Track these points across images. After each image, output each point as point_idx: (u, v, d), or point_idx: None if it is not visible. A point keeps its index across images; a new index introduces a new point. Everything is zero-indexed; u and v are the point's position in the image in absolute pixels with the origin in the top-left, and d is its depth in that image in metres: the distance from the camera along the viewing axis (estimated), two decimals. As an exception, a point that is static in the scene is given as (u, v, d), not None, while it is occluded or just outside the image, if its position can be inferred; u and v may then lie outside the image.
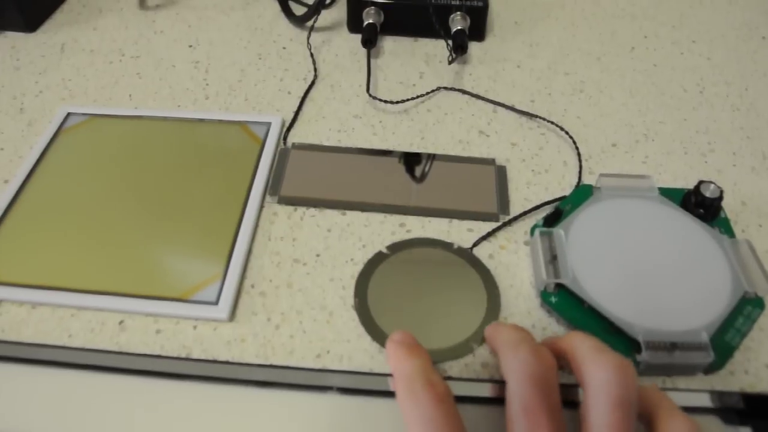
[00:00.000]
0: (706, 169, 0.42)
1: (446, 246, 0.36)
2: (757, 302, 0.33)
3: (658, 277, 0.33)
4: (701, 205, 0.36)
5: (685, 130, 0.45)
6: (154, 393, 0.30)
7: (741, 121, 0.46)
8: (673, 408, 0.26)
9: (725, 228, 0.36)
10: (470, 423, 0.26)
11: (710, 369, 0.31)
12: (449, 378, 0.31)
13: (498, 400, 0.30)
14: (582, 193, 0.37)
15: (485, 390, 0.31)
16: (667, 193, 0.37)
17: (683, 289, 0.33)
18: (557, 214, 0.36)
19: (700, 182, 0.36)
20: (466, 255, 0.36)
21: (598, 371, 0.25)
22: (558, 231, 0.35)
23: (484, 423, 0.29)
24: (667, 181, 0.41)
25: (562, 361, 0.28)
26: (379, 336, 0.32)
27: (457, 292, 0.34)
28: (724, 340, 0.31)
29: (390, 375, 0.31)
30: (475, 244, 0.36)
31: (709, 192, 0.36)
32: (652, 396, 0.26)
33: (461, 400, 0.30)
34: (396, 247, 0.36)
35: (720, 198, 0.36)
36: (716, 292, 0.32)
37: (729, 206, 0.39)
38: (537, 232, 0.35)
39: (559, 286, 0.33)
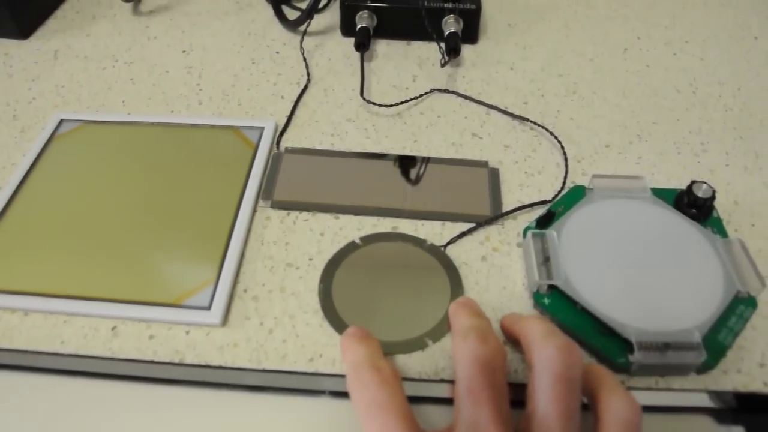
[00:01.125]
0: (699, 169, 0.42)
1: (419, 242, 0.36)
2: (749, 301, 0.33)
3: (650, 278, 0.33)
4: (694, 205, 0.36)
5: (678, 130, 0.45)
6: (147, 399, 0.30)
7: (734, 121, 0.46)
8: (616, 385, 0.27)
9: (718, 227, 0.36)
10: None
11: (703, 369, 0.31)
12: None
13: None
14: (575, 194, 0.37)
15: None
16: (660, 194, 0.37)
17: (676, 289, 0.33)
18: (549, 215, 0.36)
19: (693, 182, 0.36)
20: (437, 253, 0.36)
21: (544, 350, 0.27)
22: (550, 232, 0.35)
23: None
24: (660, 181, 0.41)
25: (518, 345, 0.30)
26: (336, 322, 0.33)
27: (421, 288, 0.34)
28: (717, 340, 0.31)
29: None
30: (450, 242, 0.36)
31: (701, 192, 0.36)
32: (597, 374, 0.27)
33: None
34: (369, 239, 0.36)
35: (712, 198, 0.36)
36: (709, 292, 0.33)
37: (722, 206, 0.39)
38: (529, 233, 0.35)
39: (552, 288, 0.33)
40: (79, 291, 0.34)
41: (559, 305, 0.33)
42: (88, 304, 0.33)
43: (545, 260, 0.34)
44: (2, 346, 0.32)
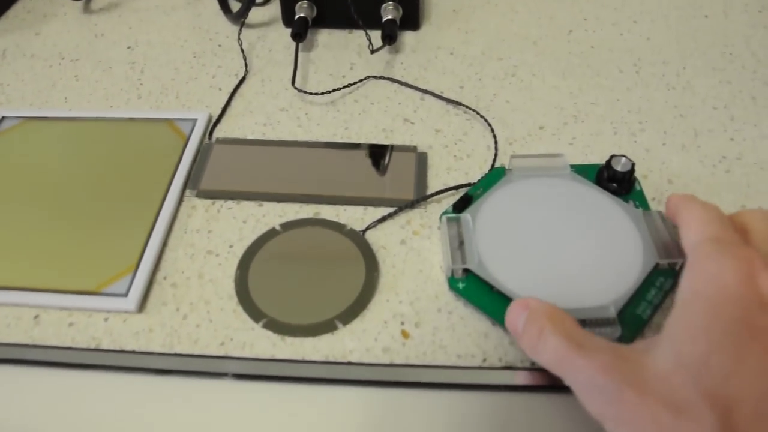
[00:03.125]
0: (634, 148, 0.42)
1: (338, 227, 0.37)
2: (669, 273, 0.33)
3: (568, 256, 0.33)
4: (613, 179, 0.36)
5: (617, 110, 0.45)
6: (64, 384, 0.31)
7: (675, 99, 0.45)
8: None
9: (640, 201, 0.36)
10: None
11: (622, 343, 0.31)
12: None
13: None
14: (494, 176, 0.38)
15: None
16: (581, 170, 0.37)
17: (593, 265, 0.33)
18: (467, 199, 0.37)
19: (612, 156, 0.36)
20: (356, 237, 0.36)
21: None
22: (465, 216, 0.35)
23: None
24: (594, 161, 0.40)
25: None
26: (249, 307, 0.33)
27: (336, 273, 0.35)
28: (635, 314, 0.31)
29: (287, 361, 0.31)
30: (369, 227, 0.37)
31: (620, 166, 0.36)
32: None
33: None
34: (288, 225, 0.37)
35: (631, 171, 0.36)
36: (627, 266, 0.32)
37: (655, 185, 0.39)
38: (444, 218, 0.35)
39: (467, 272, 0.33)
40: (3, 281, 0.35)
41: (474, 289, 0.33)
42: (12, 293, 0.34)
43: (460, 244, 0.34)
44: None
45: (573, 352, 0.25)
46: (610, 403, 0.23)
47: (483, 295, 0.33)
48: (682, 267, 0.33)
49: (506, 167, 0.38)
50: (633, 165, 0.36)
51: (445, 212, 0.36)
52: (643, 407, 0.22)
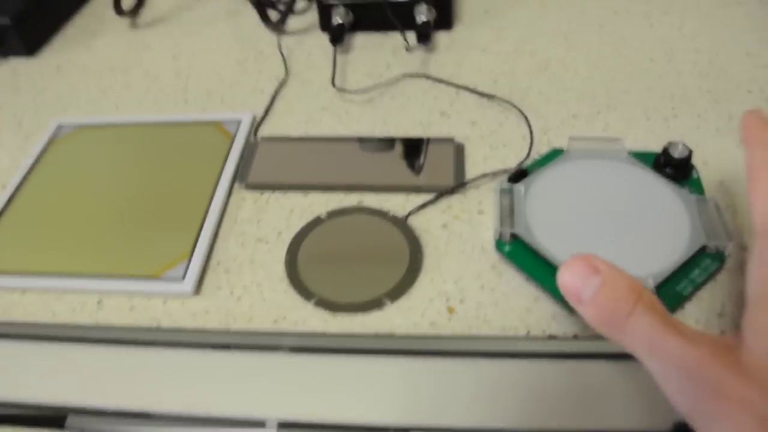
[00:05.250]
0: (668, 134, 0.42)
1: (381, 214, 0.38)
2: (717, 256, 0.33)
3: (614, 230, 0.34)
4: (670, 164, 0.37)
5: (649, 98, 0.45)
6: (128, 360, 0.33)
7: (708, 85, 0.46)
8: None
9: (696, 188, 0.37)
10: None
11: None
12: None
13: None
14: (551, 156, 0.39)
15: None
16: (639, 157, 0.38)
17: (638, 241, 0.33)
18: (522, 173, 0.38)
19: (669, 143, 0.37)
20: (399, 223, 0.37)
21: None
22: (518, 186, 0.36)
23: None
24: (628, 146, 0.41)
25: None
26: (300, 287, 0.35)
27: (381, 255, 0.36)
28: (675, 290, 0.32)
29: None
30: (411, 213, 0.38)
31: (677, 152, 0.37)
32: None
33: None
34: (334, 213, 0.38)
35: (689, 158, 0.36)
36: (672, 245, 0.33)
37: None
38: (498, 188, 0.37)
39: (515, 238, 0.35)
40: (69, 268, 0.37)
41: (519, 253, 0.34)
42: (76, 280, 0.36)
43: (510, 212, 0.35)
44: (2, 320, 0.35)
45: (671, 337, 0.23)
46: (708, 394, 0.21)
47: (527, 259, 0.34)
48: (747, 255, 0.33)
49: (563, 149, 0.39)
50: (690, 152, 0.36)
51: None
52: (747, 402, 0.20)
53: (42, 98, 0.51)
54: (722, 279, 0.34)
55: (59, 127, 0.47)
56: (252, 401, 0.30)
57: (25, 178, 0.43)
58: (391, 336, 0.32)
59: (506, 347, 0.31)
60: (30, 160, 0.44)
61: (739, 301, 0.33)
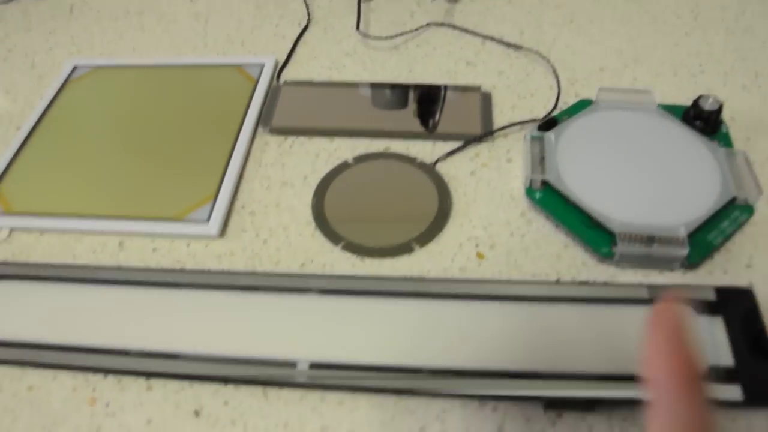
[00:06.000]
0: (696, 89, 0.42)
1: (409, 160, 0.37)
2: (745, 208, 0.33)
3: (644, 180, 0.34)
4: (699, 117, 0.37)
5: (676, 53, 0.45)
6: (152, 300, 0.32)
7: (735, 43, 0.45)
8: None
9: (725, 141, 0.37)
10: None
11: (688, 264, 0.32)
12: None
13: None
14: (580, 105, 0.39)
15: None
16: (668, 110, 0.38)
17: (670, 190, 0.33)
18: (552, 121, 0.37)
19: (699, 96, 0.37)
20: (427, 169, 0.37)
21: None
22: (548, 135, 0.36)
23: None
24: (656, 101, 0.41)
25: None
26: (327, 231, 0.35)
27: (410, 200, 0.36)
28: (706, 239, 0.32)
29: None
30: (439, 159, 0.38)
31: (708, 105, 0.36)
32: None
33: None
34: (361, 159, 0.38)
35: (719, 111, 0.36)
36: (703, 196, 0.33)
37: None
38: (528, 135, 0.36)
39: (545, 185, 0.34)
40: (88, 210, 0.36)
41: (550, 200, 0.34)
42: (97, 221, 0.36)
43: (541, 160, 0.35)
44: (20, 261, 0.35)
45: None
46: None
47: (558, 205, 0.34)
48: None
49: (592, 99, 0.38)
50: (721, 105, 0.36)
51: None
52: None
53: (55, 39, 0.50)
54: (750, 231, 0.34)
55: (75, 68, 0.46)
56: (282, 342, 0.30)
57: (40, 119, 0.42)
58: (421, 279, 0.32)
59: (538, 292, 0.31)
60: (45, 101, 0.43)
61: (766, 254, 0.33)
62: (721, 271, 0.32)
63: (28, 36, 0.50)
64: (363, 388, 0.29)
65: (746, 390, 0.27)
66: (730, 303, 0.30)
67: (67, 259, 0.35)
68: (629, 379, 0.27)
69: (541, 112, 0.40)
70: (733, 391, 0.27)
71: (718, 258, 0.33)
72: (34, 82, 0.46)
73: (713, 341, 0.28)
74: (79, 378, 0.30)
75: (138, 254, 0.35)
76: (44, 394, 0.30)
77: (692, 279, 0.32)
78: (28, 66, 0.47)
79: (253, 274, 0.33)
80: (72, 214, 0.36)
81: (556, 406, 0.28)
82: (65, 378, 0.30)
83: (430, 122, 0.40)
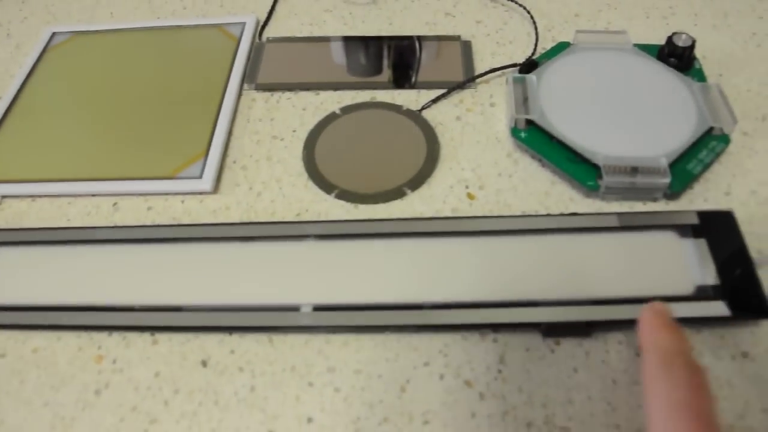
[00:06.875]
0: (667, 30, 0.43)
1: (395, 108, 0.38)
2: (722, 138, 0.35)
3: (624, 115, 0.35)
4: (673, 54, 0.38)
5: (648, -2, 0.46)
6: (149, 257, 0.33)
7: (704, -15, 0.46)
8: None
9: (699, 77, 0.38)
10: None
11: (670, 194, 0.33)
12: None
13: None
14: (559, 48, 0.40)
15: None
16: (644, 49, 0.39)
17: (649, 123, 0.35)
18: (532, 64, 0.38)
19: (673, 33, 0.38)
20: (414, 116, 0.38)
21: None
22: (530, 76, 0.37)
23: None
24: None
25: None
26: (320, 181, 0.35)
27: (398, 147, 0.37)
28: (686, 169, 0.33)
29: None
30: (425, 106, 0.38)
31: (681, 41, 0.38)
32: None
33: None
34: (348, 109, 0.38)
35: (692, 47, 0.37)
36: (681, 127, 0.35)
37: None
38: (510, 77, 0.37)
39: (529, 123, 0.35)
40: (80, 174, 0.36)
41: (535, 138, 0.35)
42: (89, 184, 0.36)
43: (524, 100, 0.36)
44: (13, 227, 0.35)
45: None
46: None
47: (543, 143, 0.35)
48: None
49: (570, 42, 0.39)
50: (693, 41, 0.37)
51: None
52: None
53: (28, 8, 0.49)
54: (726, 161, 0.35)
55: (54, 35, 0.45)
56: (284, 288, 0.31)
57: (22, 87, 0.42)
58: (416, 219, 0.33)
59: (529, 224, 0.32)
60: (26, 69, 0.43)
61: (743, 182, 0.34)
62: (702, 200, 0.34)
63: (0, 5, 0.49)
64: (366, 327, 0.29)
65: (732, 305, 0.28)
66: (712, 225, 0.31)
67: (62, 223, 0.35)
68: (621, 302, 0.29)
69: (520, 59, 0.41)
70: (720, 308, 0.28)
71: (698, 188, 0.34)
72: (11, 51, 0.45)
73: (699, 262, 0.30)
74: (84, 337, 0.31)
75: (133, 214, 0.35)
76: (50, 355, 0.30)
77: (675, 207, 0.33)
78: (4, 35, 0.47)
79: (251, 224, 0.33)
80: (63, 179, 0.36)
81: (554, 332, 0.29)
82: (70, 338, 0.31)
83: (413, 72, 0.40)
